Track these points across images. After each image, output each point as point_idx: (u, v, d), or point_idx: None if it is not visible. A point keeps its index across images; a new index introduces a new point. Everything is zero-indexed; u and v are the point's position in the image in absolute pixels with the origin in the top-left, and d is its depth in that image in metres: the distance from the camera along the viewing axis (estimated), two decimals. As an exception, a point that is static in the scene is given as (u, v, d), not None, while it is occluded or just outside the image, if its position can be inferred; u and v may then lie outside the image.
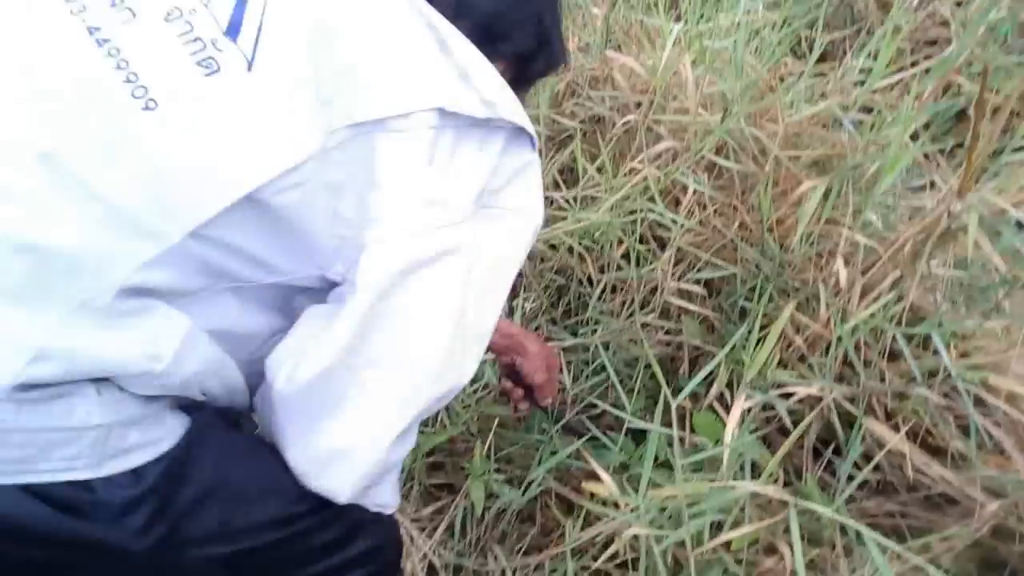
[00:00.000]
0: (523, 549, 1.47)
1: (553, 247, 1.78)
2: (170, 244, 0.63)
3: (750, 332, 1.35)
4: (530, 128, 0.80)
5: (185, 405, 0.74)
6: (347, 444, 0.75)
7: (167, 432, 0.70)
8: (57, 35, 0.64)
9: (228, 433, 0.78)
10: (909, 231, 1.31)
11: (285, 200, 0.67)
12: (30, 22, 0.65)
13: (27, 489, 0.61)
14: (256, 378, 0.80)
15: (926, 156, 1.53)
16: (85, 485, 0.64)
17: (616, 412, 1.32)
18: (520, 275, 1.79)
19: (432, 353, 0.75)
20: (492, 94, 0.76)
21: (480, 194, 0.75)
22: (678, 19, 1.82)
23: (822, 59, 1.92)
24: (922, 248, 1.28)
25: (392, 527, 0.91)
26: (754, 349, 1.30)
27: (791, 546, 1.35)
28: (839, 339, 1.37)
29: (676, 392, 1.68)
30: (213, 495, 0.71)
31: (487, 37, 0.86)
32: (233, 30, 0.68)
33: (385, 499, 0.85)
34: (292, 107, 0.69)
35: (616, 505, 1.26)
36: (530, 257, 1.79)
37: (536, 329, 1.76)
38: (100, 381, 0.64)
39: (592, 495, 1.40)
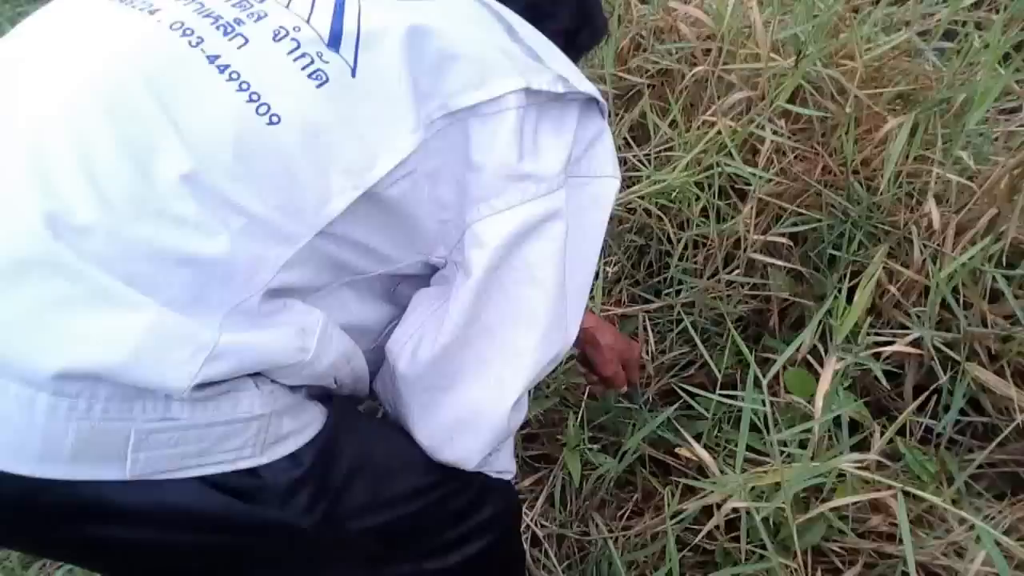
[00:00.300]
0: (624, 515, 1.49)
1: (631, 210, 1.75)
2: (302, 244, 0.69)
3: (840, 282, 1.31)
4: (600, 97, 0.84)
5: (319, 395, 0.80)
6: (470, 414, 0.81)
7: (313, 418, 0.76)
8: (182, 66, 0.70)
9: (364, 417, 0.87)
10: (1005, 164, 1.23)
11: (396, 191, 0.73)
12: (157, 50, 0.70)
13: (204, 480, 0.68)
14: (374, 366, 0.87)
15: (1018, 83, 1.42)
16: (252, 472, 0.70)
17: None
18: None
19: (540, 317, 0.80)
20: (563, 70, 0.80)
21: (567, 164, 0.79)
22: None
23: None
24: (1020, 181, 1.20)
25: (512, 492, 0.96)
26: (845, 304, 1.25)
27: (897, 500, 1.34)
28: (937, 285, 1.31)
29: (766, 349, 1.66)
30: (361, 471, 0.78)
31: (533, 17, 0.89)
32: (335, 41, 0.73)
33: (504, 465, 0.91)
34: (396, 104, 0.73)
35: (709, 474, 1.26)
36: (609, 220, 1.77)
37: (619, 293, 1.75)
38: (256, 376, 0.70)
39: (687, 461, 1.40)
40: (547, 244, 0.79)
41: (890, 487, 1.03)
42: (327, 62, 0.72)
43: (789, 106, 1.44)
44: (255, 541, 0.74)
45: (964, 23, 1.47)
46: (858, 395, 1.48)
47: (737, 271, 1.61)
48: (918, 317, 1.39)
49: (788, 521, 1.03)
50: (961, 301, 1.33)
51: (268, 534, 0.73)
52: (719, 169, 1.57)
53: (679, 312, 1.64)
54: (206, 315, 0.65)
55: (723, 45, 1.58)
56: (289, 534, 0.74)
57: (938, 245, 1.35)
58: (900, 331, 1.40)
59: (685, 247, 1.68)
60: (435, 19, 0.76)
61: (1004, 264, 1.27)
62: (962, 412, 1.40)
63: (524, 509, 1.50)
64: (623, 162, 1.79)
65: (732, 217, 1.60)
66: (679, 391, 1.58)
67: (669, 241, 1.72)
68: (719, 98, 1.56)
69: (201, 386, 0.64)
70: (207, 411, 0.67)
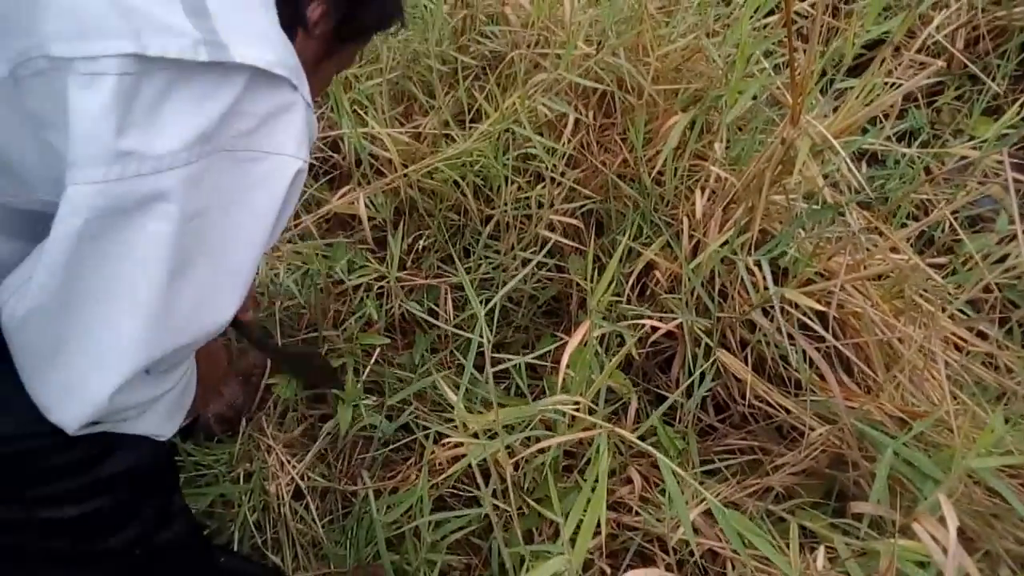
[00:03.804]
0: (394, 476, 1.51)
1: (450, 183, 1.78)
2: None
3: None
4: (283, 72, 0.74)
5: None
6: (71, 384, 0.74)
7: None
8: None
9: None
10: (758, 160, 1.31)
11: None
12: None
13: None
14: None
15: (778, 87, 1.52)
16: None
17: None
18: (422, 214, 1.81)
19: (142, 300, 0.72)
20: (229, 34, 0.71)
21: (204, 137, 0.71)
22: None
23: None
24: (766, 178, 1.28)
25: (149, 451, 0.88)
26: (600, 281, 1.31)
27: (643, 476, 1.40)
28: (694, 270, 1.39)
29: (559, 327, 1.72)
30: None
31: None
32: None
33: (150, 429, 0.85)
34: None
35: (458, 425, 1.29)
36: (429, 195, 1.81)
37: (427, 265, 1.78)
38: None
39: (449, 422, 1.43)
40: (154, 223, 0.70)
41: (596, 426, 1.07)
42: None
43: (580, 80, 1.49)
44: None
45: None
46: (628, 373, 1.55)
47: (533, 249, 1.66)
48: (685, 304, 1.46)
49: (502, 462, 1.07)
50: (716, 290, 1.41)
51: None
52: (519, 148, 1.62)
53: (477, 289, 1.69)
54: None
55: (539, 32, 1.63)
56: None
57: (702, 235, 1.42)
58: (668, 315, 1.47)
59: (497, 227, 1.73)
60: None
61: (752, 253, 1.34)
62: (724, 399, 1.49)
63: (292, 463, 1.50)
64: (446, 137, 1.83)
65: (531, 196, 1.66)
66: (458, 355, 1.63)
67: (481, 221, 1.77)
68: (528, 80, 1.62)
69: None
70: None
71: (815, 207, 1.30)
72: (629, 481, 1.41)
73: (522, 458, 1.15)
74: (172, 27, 0.68)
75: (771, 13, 1.69)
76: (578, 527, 0.87)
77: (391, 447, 1.54)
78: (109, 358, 0.73)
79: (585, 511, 0.88)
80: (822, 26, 1.11)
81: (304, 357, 1.57)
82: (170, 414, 0.87)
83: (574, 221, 1.63)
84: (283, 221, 0.81)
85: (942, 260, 1.62)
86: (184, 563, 1.01)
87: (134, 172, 0.67)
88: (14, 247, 0.76)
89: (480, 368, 1.54)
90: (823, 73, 1.35)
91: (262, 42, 0.74)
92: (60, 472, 0.80)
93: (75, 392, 0.74)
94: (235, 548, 1.42)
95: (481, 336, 1.02)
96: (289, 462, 1.51)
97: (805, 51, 1.14)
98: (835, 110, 1.24)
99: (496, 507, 1.13)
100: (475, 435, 1.23)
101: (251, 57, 0.71)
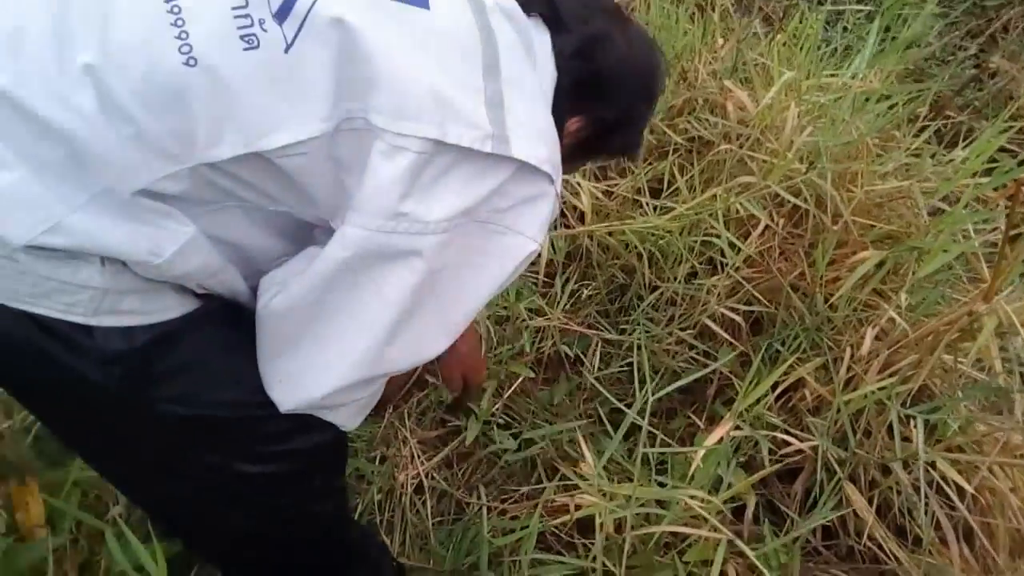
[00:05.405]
0: (508, 500, 1.61)
1: (627, 246, 1.88)
2: (187, 166, 0.76)
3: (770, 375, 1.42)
4: (548, 169, 0.84)
5: (200, 294, 0.88)
6: (295, 375, 0.88)
7: (164, 308, 0.83)
8: None
9: (224, 327, 0.90)
10: (938, 321, 1.34)
11: (290, 163, 0.78)
12: None
13: (34, 318, 0.75)
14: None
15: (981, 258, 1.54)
16: (86, 330, 0.77)
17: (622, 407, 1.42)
18: (592, 265, 1.92)
19: (378, 328, 0.85)
20: (513, 129, 0.81)
21: (466, 211, 0.82)
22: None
23: (939, 139, 1.93)
24: (945, 336, 1.32)
25: (333, 437, 0.99)
26: (756, 386, 1.38)
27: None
28: (846, 403, 1.43)
29: (692, 407, 1.79)
30: (190, 369, 0.85)
31: (589, 88, 0.96)
32: (282, 14, 0.77)
33: (341, 420, 0.97)
34: (313, 91, 0.77)
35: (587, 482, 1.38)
36: (603, 249, 1.91)
37: (584, 314, 1.88)
38: (107, 258, 0.77)
39: (576, 470, 1.53)
40: (404, 272, 0.82)
41: (720, 538, 1.14)
42: (266, 31, 0.76)
43: (784, 193, 1.56)
44: (72, 389, 0.80)
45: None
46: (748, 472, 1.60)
47: (690, 331, 1.73)
48: (827, 428, 1.50)
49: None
50: (861, 427, 1.45)
51: (82, 387, 0.79)
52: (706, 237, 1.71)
53: (625, 350, 1.78)
54: (71, 193, 0.73)
55: (753, 132, 1.71)
56: (103, 395, 0.80)
57: (862, 372, 1.47)
58: (804, 435, 1.52)
59: (660, 298, 1.82)
60: (388, 36, 0.78)
61: (907, 405, 1.38)
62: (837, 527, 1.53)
63: (421, 459, 1.63)
64: (636, 204, 1.94)
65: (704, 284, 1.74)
66: (599, 411, 1.72)
67: (647, 287, 1.86)
68: (733, 177, 1.70)
69: (42, 248, 0.73)
70: (46, 266, 0.75)
71: (985, 381, 1.33)
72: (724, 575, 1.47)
73: (631, 526, 1.23)
74: (471, 120, 0.80)
75: (987, 172, 1.70)
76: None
77: (512, 473, 1.65)
78: (333, 366, 0.87)
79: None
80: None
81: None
82: (360, 412, 1.01)
83: (736, 317, 1.70)
84: (501, 289, 0.93)
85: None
86: (326, 531, 1.14)
87: (404, 230, 0.80)
88: (279, 243, 0.90)
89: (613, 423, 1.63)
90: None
91: (539, 139, 0.85)
92: (264, 437, 0.93)
93: (295, 383, 0.89)
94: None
95: (642, 418, 1.11)
96: (419, 458, 1.64)
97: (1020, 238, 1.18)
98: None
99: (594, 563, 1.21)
100: (601, 492, 1.33)
101: (527, 154, 0.82)
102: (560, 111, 0.94)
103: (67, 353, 0.78)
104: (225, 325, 0.91)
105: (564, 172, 0.96)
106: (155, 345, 0.81)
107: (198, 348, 0.86)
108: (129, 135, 0.73)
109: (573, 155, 1.02)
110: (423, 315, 0.88)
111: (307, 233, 0.90)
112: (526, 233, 0.87)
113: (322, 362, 0.87)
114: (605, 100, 1.00)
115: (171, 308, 0.84)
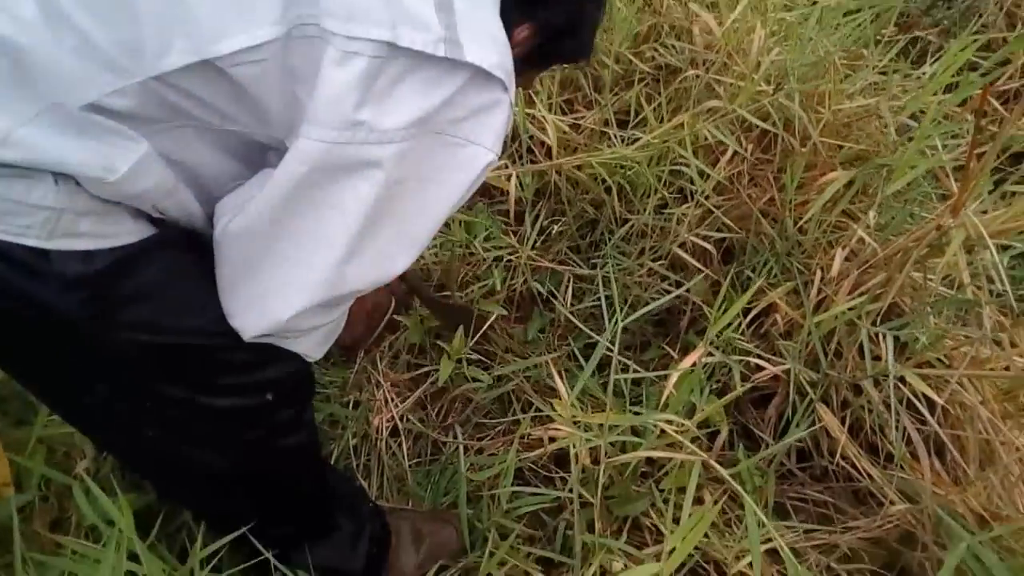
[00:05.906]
0: (484, 438, 1.61)
1: (596, 179, 1.85)
2: (135, 81, 0.73)
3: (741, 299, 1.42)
4: (500, 75, 0.83)
5: (157, 219, 0.85)
6: (257, 300, 0.87)
7: (124, 232, 0.80)
8: None
9: (185, 254, 0.88)
10: (906, 238, 1.34)
11: (242, 72, 0.75)
12: None
13: None
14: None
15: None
16: (43, 254, 0.74)
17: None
18: (562, 200, 1.89)
19: (338, 243, 0.83)
20: (465, 34, 0.80)
21: (423, 120, 0.81)
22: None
23: (906, 57, 1.90)
24: (911, 255, 1.31)
25: (301, 367, 1.00)
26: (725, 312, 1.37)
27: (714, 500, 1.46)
28: (817, 325, 1.43)
29: (666, 338, 1.78)
30: (150, 295, 0.83)
31: None
32: None
33: (306, 349, 0.97)
34: None
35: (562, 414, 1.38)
36: (573, 184, 1.88)
37: (555, 250, 1.86)
38: (61, 175, 0.74)
39: (551, 404, 1.52)
40: (363, 184, 0.81)
41: (693, 453, 1.14)
42: None
43: (751, 118, 1.53)
44: (30, 318, 0.79)
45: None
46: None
47: (662, 262, 1.72)
48: (798, 351, 1.50)
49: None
50: (832, 348, 1.45)
51: (45, 316, 0.78)
52: (675, 166, 1.68)
53: (596, 285, 1.76)
54: (19, 106, 0.71)
55: (720, 56, 1.67)
56: (63, 324, 0.78)
57: (832, 293, 1.46)
58: (777, 359, 1.52)
59: (630, 231, 1.79)
60: None
61: (878, 324, 1.38)
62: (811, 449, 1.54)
63: (395, 402, 1.62)
64: (604, 136, 1.90)
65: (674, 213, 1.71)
66: (573, 347, 1.71)
67: (617, 221, 1.83)
68: (699, 102, 1.66)
69: None
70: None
71: (953, 295, 1.33)
72: (700, 501, 1.48)
73: (606, 454, 1.23)
74: (422, 22, 0.78)
75: (949, 89, 1.68)
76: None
77: (487, 411, 1.65)
78: (296, 286, 0.86)
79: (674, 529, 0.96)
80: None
81: (458, 311, 1.69)
82: (325, 340, 1.00)
83: (707, 245, 1.68)
84: (462, 202, 0.91)
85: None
86: (298, 468, 1.14)
87: (361, 140, 0.78)
88: (231, 166, 0.88)
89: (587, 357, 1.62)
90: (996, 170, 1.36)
91: (491, 44, 0.84)
92: (228, 369, 0.92)
93: (259, 307, 0.87)
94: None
95: (611, 343, 1.10)
96: (393, 400, 1.63)
97: (986, 152, 1.16)
98: (997, 206, 1.25)
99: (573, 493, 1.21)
100: (575, 423, 1.33)
101: (479, 58, 0.81)
102: (508, 19, 0.91)
103: (25, 279, 0.75)
104: (186, 252, 0.89)
105: (519, 85, 0.95)
106: (115, 269, 0.80)
107: (159, 274, 0.84)
108: (73, 45, 0.71)
109: (527, 62, 1.00)
110: (384, 230, 0.86)
111: (261, 156, 0.87)
112: (484, 144, 0.86)
113: (284, 283, 0.86)
114: (552, 4, 0.98)
115: (129, 232, 0.81)
